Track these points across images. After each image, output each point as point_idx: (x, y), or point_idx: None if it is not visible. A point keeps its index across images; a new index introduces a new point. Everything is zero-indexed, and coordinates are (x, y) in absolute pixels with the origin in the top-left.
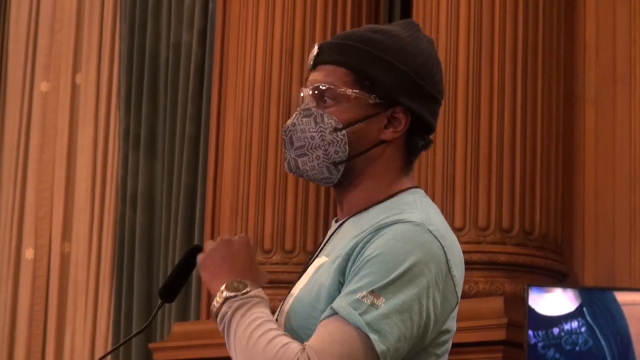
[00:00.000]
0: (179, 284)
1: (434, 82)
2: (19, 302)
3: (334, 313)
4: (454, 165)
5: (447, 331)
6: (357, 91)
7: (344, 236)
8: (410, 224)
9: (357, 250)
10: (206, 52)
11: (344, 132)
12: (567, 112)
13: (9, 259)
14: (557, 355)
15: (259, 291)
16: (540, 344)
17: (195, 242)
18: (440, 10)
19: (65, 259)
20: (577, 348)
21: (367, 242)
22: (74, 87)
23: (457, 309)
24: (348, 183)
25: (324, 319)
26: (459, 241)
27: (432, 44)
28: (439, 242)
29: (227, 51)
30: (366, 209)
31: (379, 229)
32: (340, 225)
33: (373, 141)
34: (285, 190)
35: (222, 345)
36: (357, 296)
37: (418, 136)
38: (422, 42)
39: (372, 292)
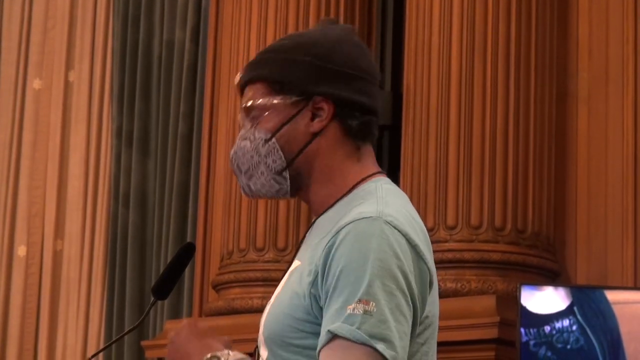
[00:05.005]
0: (171, 282)
1: (349, 60)
2: (11, 299)
3: (332, 336)
4: (446, 163)
5: (426, 317)
6: (273, 98)
7: (314, 238)
8: (367, 219)
9: (322, 262)
10: (199, 49)
11: (273, 140)
12: (560, 111)
13: (1, 257)
14: (549, 354)
15: (235, 353)
16: (532, 342)
17: (188, 240)
18: (433, 9)
19: (57, 257)
20: (569, 346)
21: (330, 250)
22: (67, 84)
23: (434, 292)
24: (303, 186)
25: (323, 345)
26: (451, 239)
27: (349, 31)
28: (398, 230)
29: (220, 49)
30: (332, 205)
31: (338, 231)
32: (312, 225)
33: (306, 138)
34: None
35: None
36: (348, 310)
37: (349, 117)
38: (333, 31)
39: (359, 300)
